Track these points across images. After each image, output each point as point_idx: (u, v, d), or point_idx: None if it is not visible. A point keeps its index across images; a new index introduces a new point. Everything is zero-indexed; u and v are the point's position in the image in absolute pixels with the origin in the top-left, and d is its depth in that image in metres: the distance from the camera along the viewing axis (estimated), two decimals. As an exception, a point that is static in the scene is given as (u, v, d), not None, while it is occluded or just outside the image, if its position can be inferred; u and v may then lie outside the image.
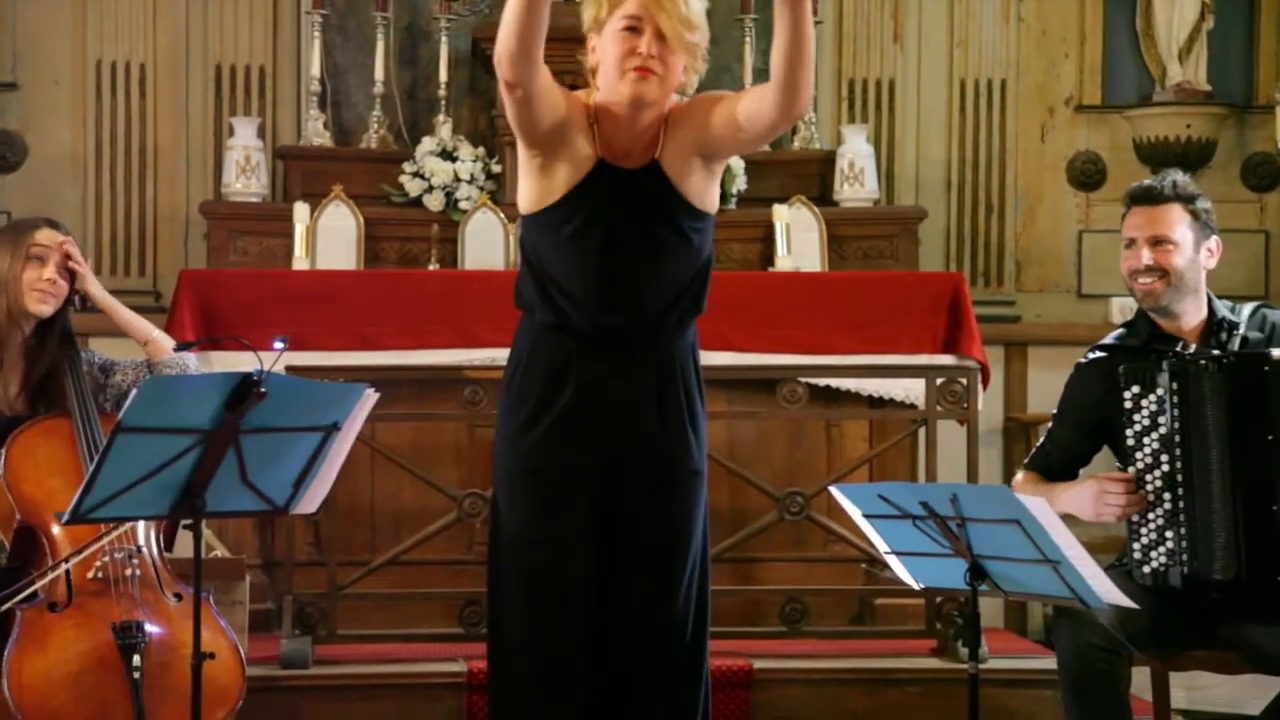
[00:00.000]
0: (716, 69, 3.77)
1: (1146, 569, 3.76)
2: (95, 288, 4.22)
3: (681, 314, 3.48)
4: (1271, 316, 3.95)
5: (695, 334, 3.56)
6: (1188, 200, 3.91)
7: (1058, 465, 4.01)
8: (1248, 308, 3.97)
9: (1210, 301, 3.95)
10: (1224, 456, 3.69)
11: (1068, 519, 3.40)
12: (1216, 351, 3.80)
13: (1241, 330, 3.90)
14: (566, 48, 6.75)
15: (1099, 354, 3.98)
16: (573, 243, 3.40)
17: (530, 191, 3.47)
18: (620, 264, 3.41)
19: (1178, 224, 3.88)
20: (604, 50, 3.42)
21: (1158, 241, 3.88)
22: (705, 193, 3.48)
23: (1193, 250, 3.89)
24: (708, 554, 3.60)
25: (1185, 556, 3.71)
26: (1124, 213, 3.97)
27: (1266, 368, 3.71)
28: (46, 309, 4.10)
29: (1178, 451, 3.73)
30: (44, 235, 4.14)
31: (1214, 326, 3.92)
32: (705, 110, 3.46)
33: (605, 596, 3.48)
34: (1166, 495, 3.74)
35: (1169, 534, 3.74)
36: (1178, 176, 3.96)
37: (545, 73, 3.35)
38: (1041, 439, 4.09)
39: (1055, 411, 4.05)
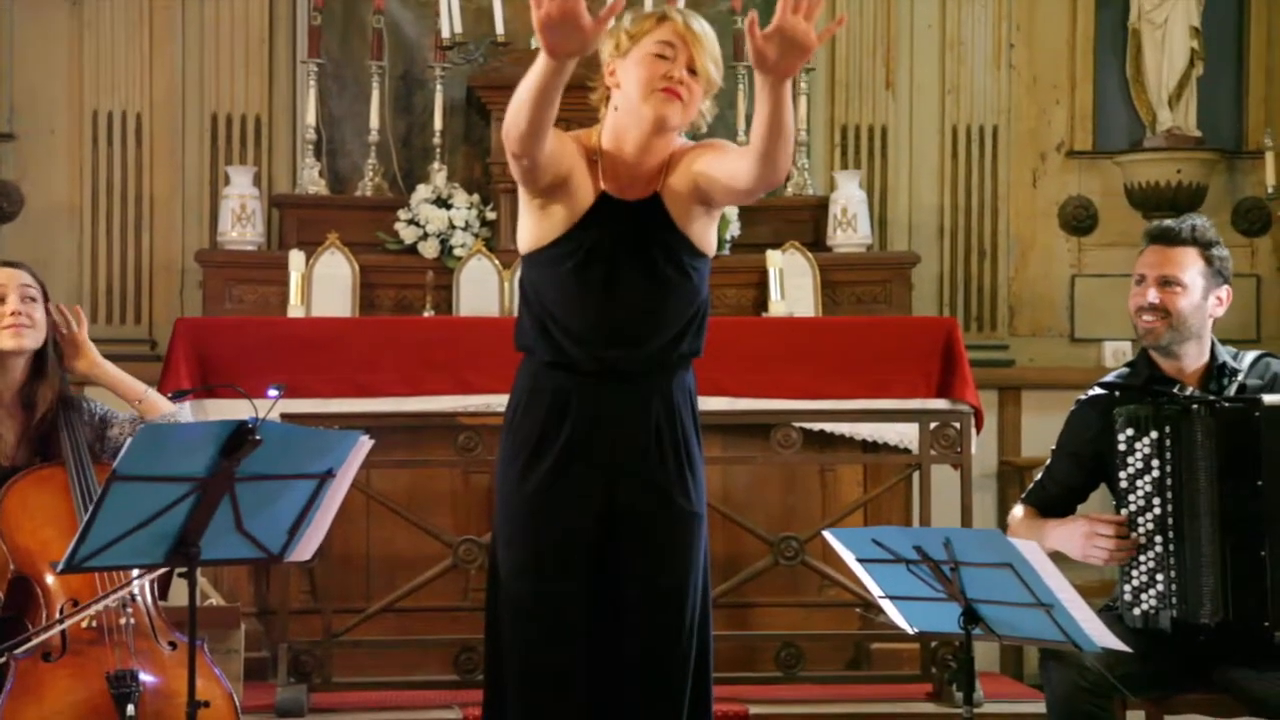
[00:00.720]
0: (710, 115, 3.78)
1: (1137, 611, 3.76)
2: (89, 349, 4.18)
3: (680, 353, 3.49)
4: (1275, 366, 3.94)
5: (693, 379, 3.57)
6: (1204, 246, 3.90)
7: (1055, 501, 4.01)
8: (1251, 355, 3.97)
9: (1213, 347, 3.95)
10: (1213, 501, 3.70)
11: (1059, 561, 3.40)
12: (1211, 397, 3.81)
13: (1241, 377, 3.90)
14: (562, 95, 6.80)
15: (1099, 391, 3.99)
16: (574, 276, 3.41)
17: (531, 230, 3.47)
18: (621, 296, 3.41)
19: (1189, 267, 3.88)
20: (627, 74, 3.42)
21: (1166, 282, 3.87)
22: (704, 234, 3.50)
23: (1200, 296, 3.89)
24: (709, 599, 3.58)
25: (1175, 600, 3.71)
26: (1140, 249, 3.98)
27: (1256, 414, 3.71)
28: (24, 341, 4.02)
29: (1169, 495, 3.74)
30: None
31: (1214, 371, 3.92)
32: (704, 157, 3.47)
33: (607, 640, 3.46)
34: (1158, 538, 3.75)
35: (1159, 577, 3.74)
36: (1198, 221, 3.95)
37: (550, 135, 3.36)
38: (1040, 474, 4.09)
39: (1054, 447, 4.06)
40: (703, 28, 3.44)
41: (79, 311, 4.21)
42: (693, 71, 3.40)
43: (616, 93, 3.45)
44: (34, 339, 4.04)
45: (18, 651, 3.70)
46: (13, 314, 4.01)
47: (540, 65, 3.20)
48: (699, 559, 3.52)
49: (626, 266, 3.42)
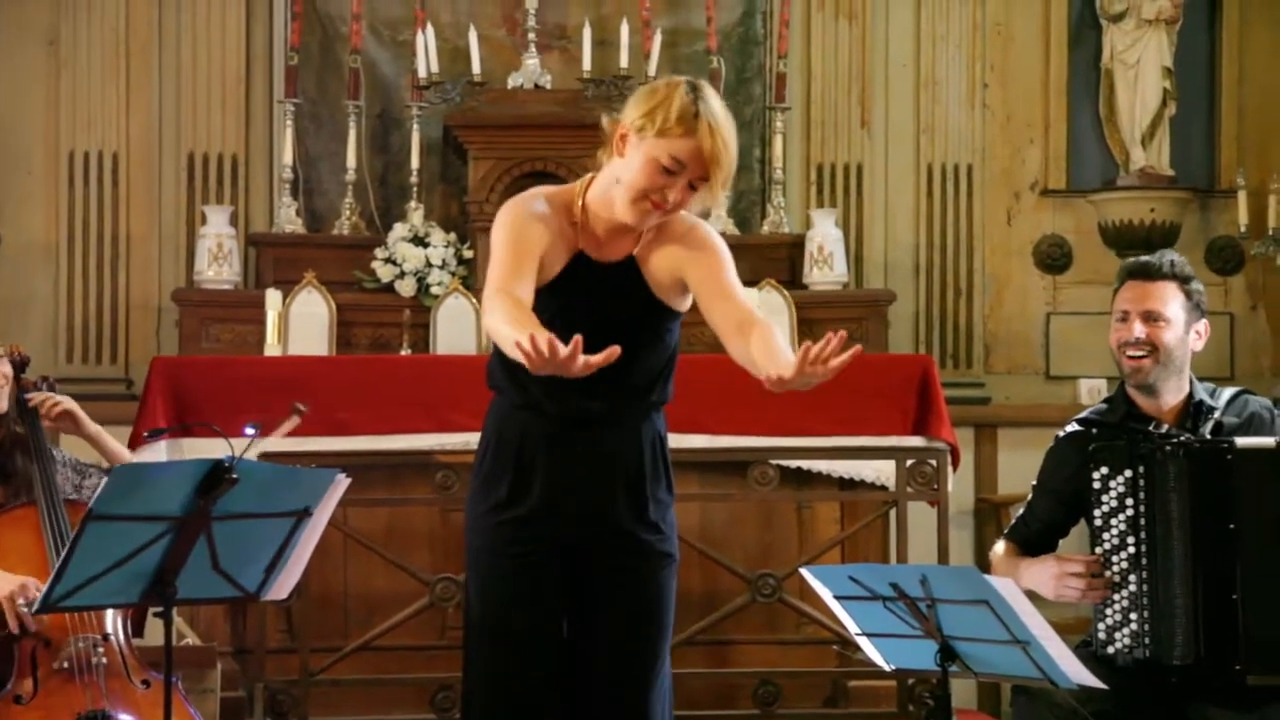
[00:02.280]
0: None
1: (1110, 650, 3.75)
2: (86, 422, 4.15)
3: (649, 403, 3.49)
4: (1253, 404, 3.92)
5: (663, 421, 3.56)
6: (1183, 280, 3.90)
7: (1036, 536, 4.01)
8: (1228, 392, 3.95)
9: (1191, 383, 3.94)
10: (1186, 543, 3.69)
11: (1035, 598, 3.40)
12: (1185, 436, 3.80)
13: (1218, 415, 3.89)
14: (539, 134, 6.84)
15: (1076, 428, 3.99)
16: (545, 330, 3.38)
17: None
18: (590, 352, 3.39)
19: (1171, 301, 3.88)
20: (632, 164, 3.32)
21: (1150, 317, 3.86)
22: (679, 302, 3.48)
23: (1183, 330, 3.88)
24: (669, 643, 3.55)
25: (1147, 640, 3.71)
26: (1116, 287, 3.96)
27: (1230, 456, 3.70)
28: (3, 404, 4.05)
29: (1143, 535, 3.73)
30: None
31: (1191, 409, 3.91)
32: (699, 269, 3.39)
33: (579, 681, 3.45)
34: (1132, 577, 3.74)
35: (1133, 616, 3.73)
36: (1174, 256, 3.95)
37: (531, 281, 3.32)
38: (1022, 510, 4.08)
39: (1034, 483, 4.05)
40: (726, 144, 3.31)
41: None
42: (694, 186, 3.32)
43: (619, 162, 3.36)
44: (6, 398, 4.05)
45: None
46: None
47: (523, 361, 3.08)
48: (670, 601, 3.50)
49: (597, 325, 3.34)
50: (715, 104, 3.33)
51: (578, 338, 2.99)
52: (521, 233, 3.34)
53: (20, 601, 3.72)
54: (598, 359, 3.01)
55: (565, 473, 3.42)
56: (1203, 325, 3.94)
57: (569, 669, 3.46)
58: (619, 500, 3.44)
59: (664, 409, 3.54)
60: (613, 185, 3.38)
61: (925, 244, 7.23)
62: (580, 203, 3.44)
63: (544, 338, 2.98)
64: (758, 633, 5.60)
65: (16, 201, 6.88)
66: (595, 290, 3.41)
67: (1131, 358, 3.88)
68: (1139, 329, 3.87)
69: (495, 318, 3.24)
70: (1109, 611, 3.77)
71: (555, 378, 3.34)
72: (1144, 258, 3.98)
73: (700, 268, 3.41)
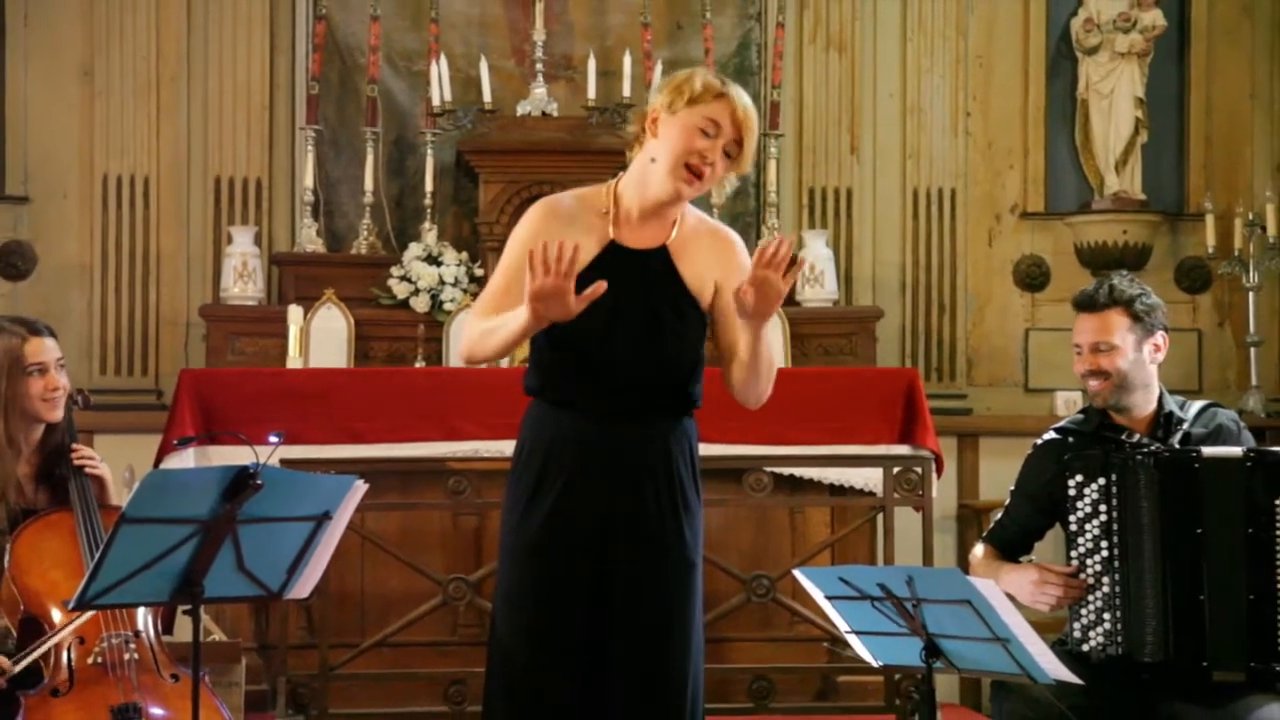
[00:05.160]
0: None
1: (1085, 647, 3.75)
2: (112, 495, 4.12)
3: (679, 401, 3.44)
4: (1220, 416, 3.93)
5: (694, 427, 3.50)
6: (1126, 304, 3.88)
7: (1013, 539, 4.01)
8: (1197, 405, 3.95)
9: (1161, 395, 3.94)
10: (1155, 547, 3.69)
11: (1012, 601, 3.41)
12: (1156, 446, 3.81)
13: (1186, 426, 3.90)
14: (546, 158, 6.86)
15: (1053, 436, 3.99)
16: (580, 319, 3.27)
17: None
18: (622, 339, 3.34)
19: (1116, 329, 3.87)
20: (670, 133, 3.33)
21: (1098, 348, 3.87)
22: (707, 300, 3.44)
23: (1134, 350, 3.87)
24: (700, 648, 3.49)
25: (1120, 638, 3.71)
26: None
27: (1197, 465, 3.71)
28: (59, 412, 4.07)
29: (1115, 539, 3.73)
30: (33, 347, 4.02)
31: (1161, 420, 3.91)
32: (731, 280, 3.38)
33: (603, 685, 3.36)
34: (1105, 579, 3.75)
35: (1106, 616, 3.74)
36: (1115, 280, 3.92)
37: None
38: (1000, 514, 4.09)
39: (1013, 488, 4.06)
40: (751, 112, 3.37)
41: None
42: (727, 154, 3.34)
43: (653, 143, 3.36)
44: (61, 407, 4.07)
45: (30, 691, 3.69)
46: (55, 389, 4.03)
47: (520, 322, 3.24)
48: (695, 606, 3.44)
49: (629, 312, 3.34)
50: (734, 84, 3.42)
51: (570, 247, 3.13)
52: (528, 247, 3.25)
53: None
54: (589, 293, 3.15)
55: (594, 466, 3.35)
56: (1159, 338, 3.91)
57: (596, 670, 3.36)
58: (646, 500, 3.38)
59: (695, 416, 3.49)
60: (648, 166, 3.37)
61: (911, 263, 7.24)
62: (611, 195, 3.41)
63: (553, 243, 3.15)
64: (752, 631, 5.60)
65: (53, 223, 6.90)
66: (628, 274, 3.35)
67: (1092, 386, 3.90)
68: (1091, 361, 3.88)
69: (474, 332, 3.42)
70: (1084, 611, 3.77)
71: (587, 373, 3.33)
72: (1087, 289, 3.94)
73: (731, 284, 3.37)
